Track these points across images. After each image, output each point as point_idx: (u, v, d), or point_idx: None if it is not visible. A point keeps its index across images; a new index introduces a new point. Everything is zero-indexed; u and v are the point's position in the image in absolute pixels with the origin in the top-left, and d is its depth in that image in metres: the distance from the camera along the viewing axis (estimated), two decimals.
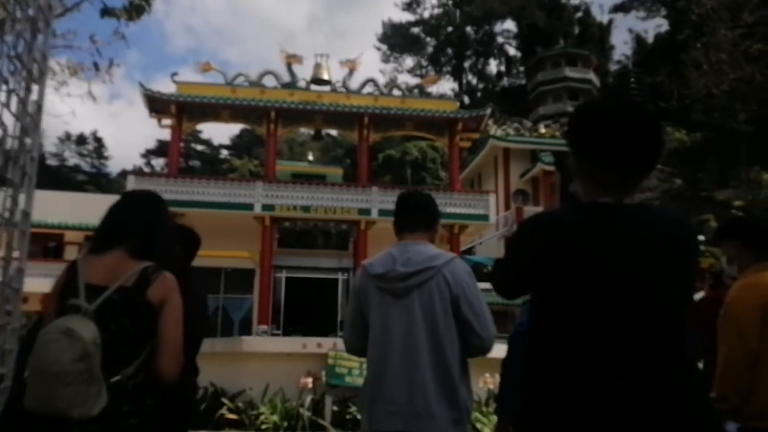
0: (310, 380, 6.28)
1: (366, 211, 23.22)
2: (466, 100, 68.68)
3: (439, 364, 2.50)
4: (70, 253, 26.67)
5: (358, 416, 6.23)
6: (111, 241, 2.36)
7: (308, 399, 6.24)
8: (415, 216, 2.76)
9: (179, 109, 23.71)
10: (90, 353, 2.00)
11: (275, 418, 6.03)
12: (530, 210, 35.85)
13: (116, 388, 2.10)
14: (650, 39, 74.66)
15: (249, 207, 22.74)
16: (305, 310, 24.07)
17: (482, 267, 33.04)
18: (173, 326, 2.25)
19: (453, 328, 2.54)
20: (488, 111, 25.55)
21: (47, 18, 3.31)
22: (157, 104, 23.71)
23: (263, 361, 6.44)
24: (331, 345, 6.54)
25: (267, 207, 22.80)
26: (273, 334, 22.59)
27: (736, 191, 47.70)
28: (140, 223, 2.39)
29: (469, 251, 35.61)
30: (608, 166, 1.68)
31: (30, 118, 3.39)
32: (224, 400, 6.18)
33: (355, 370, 6.31)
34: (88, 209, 27.81)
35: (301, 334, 24.58)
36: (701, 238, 23.03)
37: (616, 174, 1.68)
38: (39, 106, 3.44)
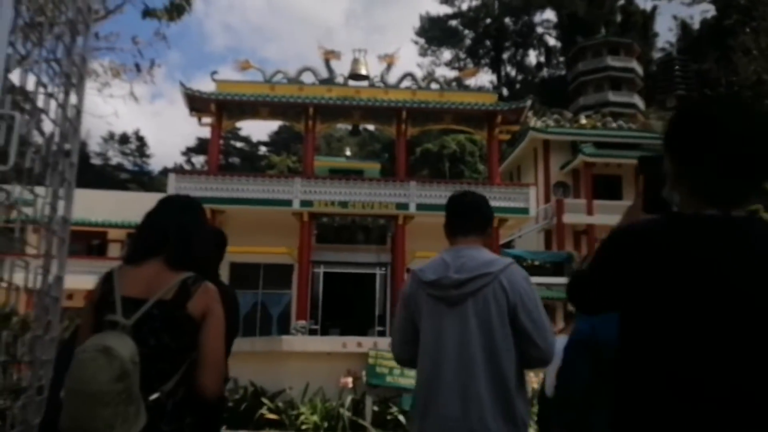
0: (350, 380, 6.20)
1: (404, 206, 23.13)
2: (505, 92, 67.93)
3: (494, 375, 2.36)
4: (114, 251, 27.23)
5: (399, 417, 6.14)
6: (148, 250, 2.26)
7: (348, 399, 6.16)
8: (469, 219, 2.65)
9: (219, 108, 23.95)
10: (128, 372, 1.91)
11: (315, 418, 5.96)
12: (571, 203, 35.29)
13: (155, 406, 2.01)
14: (696, 25, 72.58)
15: (287, 203, 22.87)
16: (343, 305, 24.12)
17: (522, 261, 32.66)
18: (216, 340, 2.15)
19: (510, 337, 2.39)
20: (528, 103, 25.16)
21: (87, 20, 3.23)
22: (197, 103, 23.99)
23: (303, 361, 6.39)
24: (372, 344, 6.44)
25: (305, 203, 22.90)
26: (311, 330, 22.70)
27: None
28: (178, 230, 2.28)
29: (508, 245, 35.22)
30: (716, 175, 1.51)
31: (69, 123, 3.34)
32: (264, 400, 6.15)
33: (396, 370, 6.21)
34: (131, 207, 28.35)
35: (339, 330, 24.89)
36: None
37: (725, 184, 1.51)
38: (78, 110, 3.37)
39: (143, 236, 2.33)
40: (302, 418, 5.97)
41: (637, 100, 61.57)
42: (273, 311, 24.37)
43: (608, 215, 34.45)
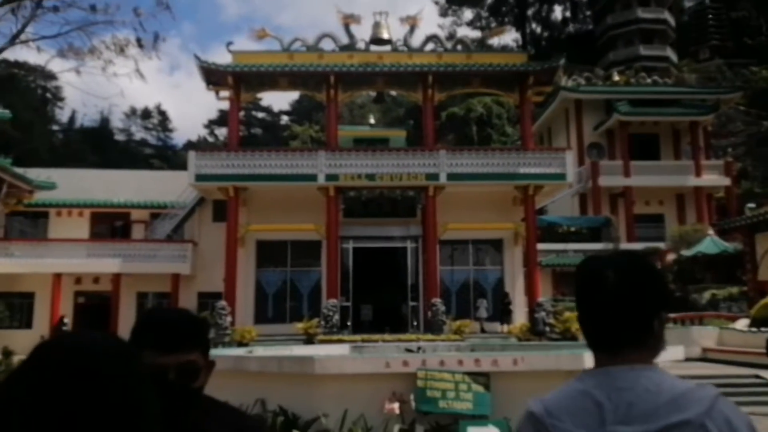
0: (396, 405, 5.30)
1: (434, 176, 22.08)
2: (531, 50, 65.73)
3: None
4: (137, 232, 26.69)
5: None
6: None
7: (396, 429, 5.28)
8: (634, 312, 1.39)
9: (236, 80, 22.98)
10: None
11: None
12: (606, 164, 33.86)
13: None
14: None
15: (312, 178, 21.99)
16: (375, 279, 23.46)
17: (556, 227, 31.53)
18: None
19: None
20: (561, 62, 23.73)
21: None
22: (214, 76, 23.06)
23: (340, 383, 5.51)
24: (419, 363, 5.52)
25: (330, 177, 21.99)
26: (343, 307, 22.05)
27: None
28: None
29: (541, 211, 34.01)
30: None
31: None
32: None
33: (450, 392, 5.31)
34: (153, 187, 27.81)
35: (371, 305, 24.29)
36: None
37: None
38: None
39: None
40: None
41: (670, 53, 59.16)
42: (303, 289, 23.76)
43: (646, 176, 33.03)
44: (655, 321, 1.38)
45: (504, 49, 56.29)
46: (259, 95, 29.33)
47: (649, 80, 38.22)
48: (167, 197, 25.99)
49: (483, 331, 22.46)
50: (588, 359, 5.59)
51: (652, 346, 1.38)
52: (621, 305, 1.37)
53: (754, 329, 16.63)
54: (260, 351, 8.31)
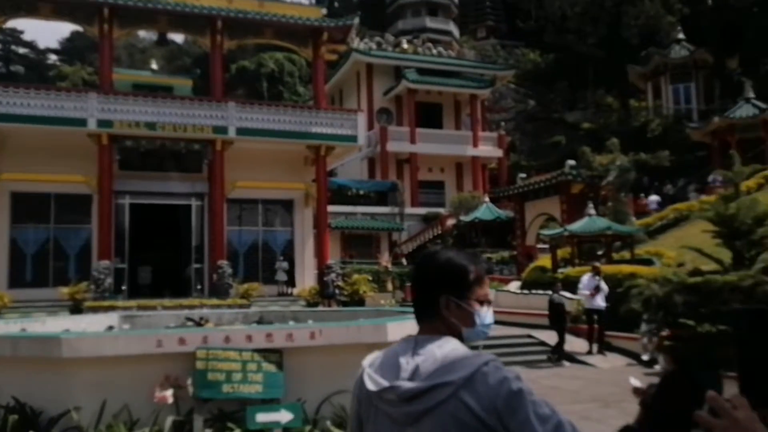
0: (169, 393, 4.39)
1: (222, 129, 20.76)
2: (324, 9, 65.20)
3: None
4: None
5: None
6: None
7: (168, 421, 4.38)
8: (416, 294, 1.76)
9: None
10: None
11: None
12: (394, 130, 34.75)
13: None
14: None
15: (81, 122, 19.47)
16: (155, 239, 21.76)
17: (346, 190, 31.78)
18: None
19: None
20: (356, 21, 23.57)
21: None
22: None
23: (97, 368, 4.45)
24: (200, 340, 4.65)
25: (103, 123, 19.64)
26: (117, 269, 20.12)
27: (584, 113, 49.62)
28: None
29: (331, 173, 34.09)
30: None
31: None
32: None
33: (236, 374, 4.54)
34: None
35: (150, 267, 22.46)
36: (570, 163, 23.07)
37: None
38: None
39: None
40: None
41: (453, 28, 62.31)
42: (69, 249, 21.15)
43: (430, 144, 34.51)
44: (439, 302, 1.64)
45: (299, 4, 55.16)
46: (12, 23, 25.23)
47: (434, 51, 39.79)
48: None
49: (280, 294, 21.88)
50: (390, 330, 5.24)
51: (442, 321, 1.65)
52: (414, 287, 1.76)
53: (525, 291, 18.05)
54: (1, 325, 6.80)
